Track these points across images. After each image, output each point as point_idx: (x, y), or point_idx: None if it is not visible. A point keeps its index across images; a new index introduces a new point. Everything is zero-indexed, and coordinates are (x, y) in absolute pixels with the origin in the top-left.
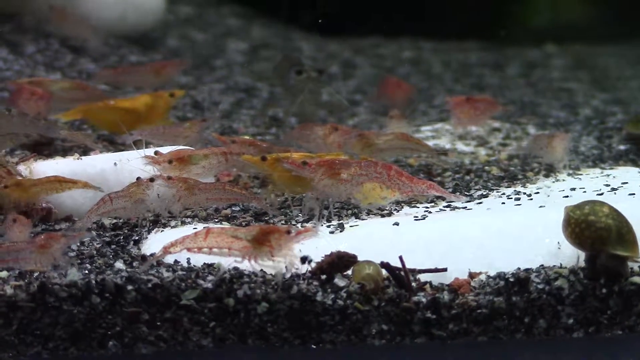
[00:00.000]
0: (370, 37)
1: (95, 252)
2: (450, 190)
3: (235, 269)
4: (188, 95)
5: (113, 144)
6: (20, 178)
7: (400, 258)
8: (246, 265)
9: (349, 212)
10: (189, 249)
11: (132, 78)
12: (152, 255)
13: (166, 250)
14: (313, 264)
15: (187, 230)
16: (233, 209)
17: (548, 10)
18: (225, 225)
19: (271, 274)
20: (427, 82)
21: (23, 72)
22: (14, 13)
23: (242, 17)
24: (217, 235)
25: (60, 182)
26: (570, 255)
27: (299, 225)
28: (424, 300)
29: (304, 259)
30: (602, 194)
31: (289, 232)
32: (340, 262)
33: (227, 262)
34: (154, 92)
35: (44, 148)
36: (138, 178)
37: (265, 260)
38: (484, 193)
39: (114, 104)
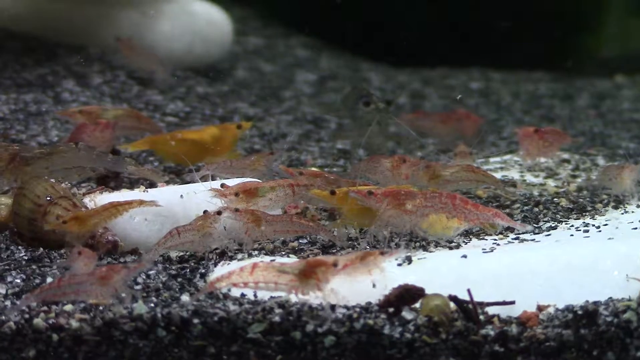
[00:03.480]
0: (440, 68)
1: (161, 285)
2: (519, 222)
3: (302, 302)
4: (255, 127)
5: (179, 176)
6: (77, 211)
7: (469, 291)
8: (313, 299)
9: (417, 244)
10: (235, 284)
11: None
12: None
13: (212, 285)
14: (381, 297)
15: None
16: (300, 241)
17: (618, 40)
18: (293, 258)
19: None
20: (496, 114)
21: (89, 103)
22: (80, 45)
23: (310, 48)
24: (263, 269)
25: (116, 207)
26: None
27: None
28: (492, 333)
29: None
30: None
31: (335, 265)
32: (408, 295)
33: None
34: (221, 124)
35: (110, 181)
36: (205, 211)
37: (312, 293)
38: (553, 225)
39: (181, 135)
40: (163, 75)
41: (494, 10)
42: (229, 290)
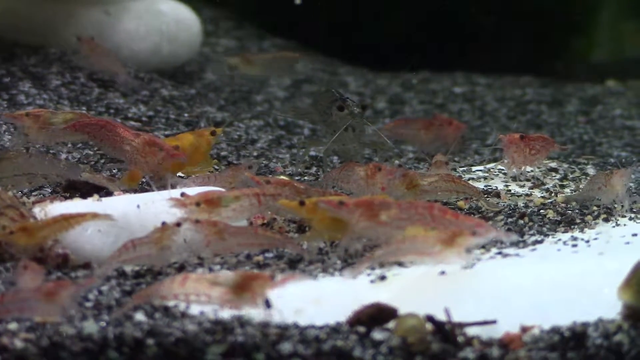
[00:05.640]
0: (421, 72)
1: (114, 303)
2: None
3: (266, 322)
4: (223, 132)
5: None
6: (25, 222)
7: (446, 311)
8: (277, 318)
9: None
10: (163, 297)
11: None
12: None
13: (137, 298)
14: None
15: None
16: (266, 255)
17: (609, 44)
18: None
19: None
20: (480, 120)
21: (46, 106)
22: (38, 45)
23: (284, 51)
24: (195, 281)
25: (67, 220)
26: None
27: (337, 272)
28: (471, 356)
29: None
30: None
31: (272, 278)
32: (379, 314)
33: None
34: (195, 131)
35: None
36: (163, 222)
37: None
38: (539, 239)
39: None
40: (125, 77)
41: (480, 11)
42: (187, 307)
